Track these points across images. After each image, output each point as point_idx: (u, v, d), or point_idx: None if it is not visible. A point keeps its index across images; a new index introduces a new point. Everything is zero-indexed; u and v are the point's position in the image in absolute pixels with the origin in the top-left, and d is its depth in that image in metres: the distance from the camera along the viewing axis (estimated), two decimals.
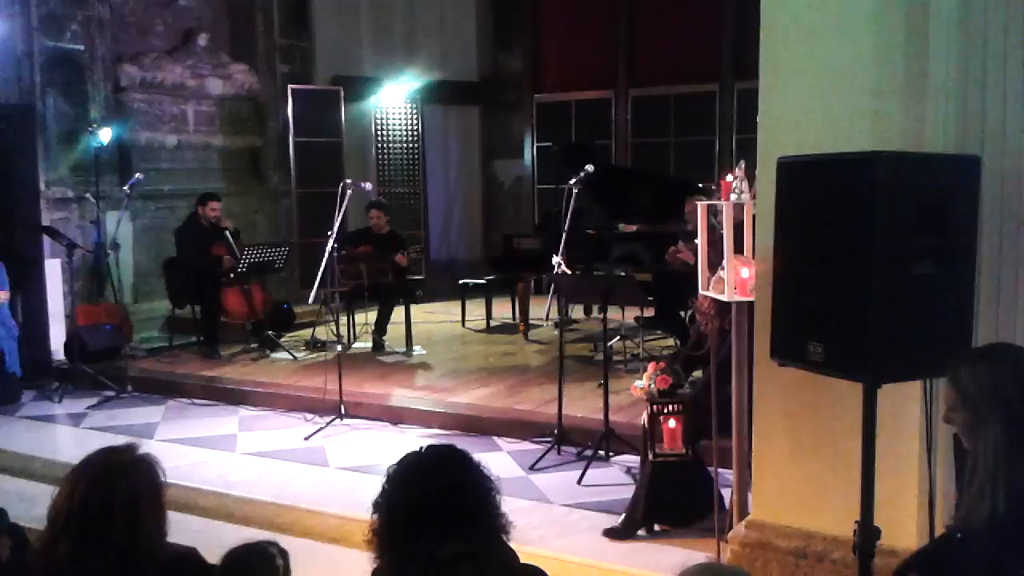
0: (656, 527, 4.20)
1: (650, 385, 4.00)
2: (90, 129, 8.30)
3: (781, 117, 3.24)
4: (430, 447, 2.00)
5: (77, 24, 8.56)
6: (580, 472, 4.95)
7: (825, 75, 3.13)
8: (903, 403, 2.94)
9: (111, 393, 6.96)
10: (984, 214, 2.71)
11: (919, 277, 2.38)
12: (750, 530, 3.42)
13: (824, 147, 2.91)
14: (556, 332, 6.82)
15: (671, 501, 4.15)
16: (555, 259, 5.80)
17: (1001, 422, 2.00)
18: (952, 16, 2.88)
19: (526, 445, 5.54)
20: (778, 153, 2.74)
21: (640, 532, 4.17)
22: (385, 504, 1.90)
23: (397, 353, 7.92)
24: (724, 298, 3.54)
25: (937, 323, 2.43)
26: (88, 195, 8.25)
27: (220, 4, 10.31)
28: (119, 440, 5.56)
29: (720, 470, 3.86)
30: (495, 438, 5.72)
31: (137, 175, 7.83)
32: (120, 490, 2.08)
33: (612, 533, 4.18)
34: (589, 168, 6.26)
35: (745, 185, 3.53)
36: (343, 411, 6.09)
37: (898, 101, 2.98)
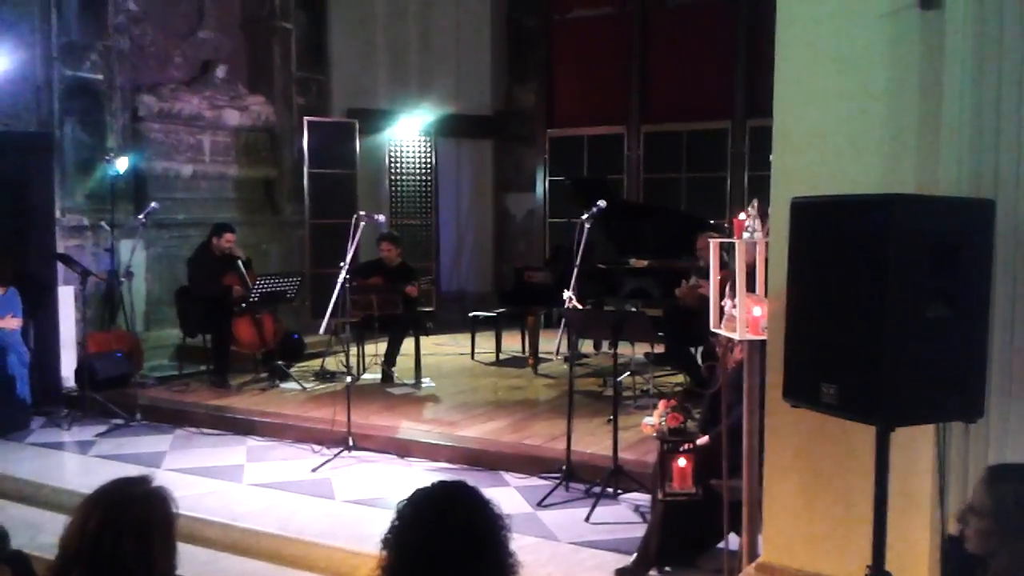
0: (667, 568, 4.16)
1: (660, 423, 3.97)
2: (107, 158, 8.37)
3: (795, 158, 3.25)
4: (441, 483, 1.98)
5: (97, 54, 8.68)
6: (588, 509, 4.91)
7: (839, 116, 3.14)
8: (916, 445, 2.91)
9: (120, 421, 6.97)
10: (998, 258, 2.71)
11: (933, 320, 2.37)
12: (760, 572, 3.38)
13: (837, 188, 2.91)
14: (566, 366, 6.80)
15: (683, 541, 4.11)
16: (566, 293, 5.80)
17: None
18: (966, 60, 2.89)
19: (534, 481, 5.51)
20: (791, 193, 2.74)
21: (652, 573, 4.13)
22: (395, 541, 1.88)
23: (406, 385, 7.90)
24: (736, 336, 3.53)
25: (951, 367, 2.41)
26: (103, 223, 8.32)
27: (239, 36, 10.46)
28: (126, 468, 5.59)
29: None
30: (503, 473, 5.69)
31: (152, 204, 7.89)
32: (133, 521, 2.07)
33: (624, 573, 4.14)
34: (601, 203, 6.28)
35: (758, 223, 3.54)
36: (351, 443, 6.07)
37: (913, 143, 2.99)
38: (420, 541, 1.83)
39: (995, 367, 2.79)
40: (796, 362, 2.65)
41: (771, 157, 3.33)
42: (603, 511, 4.92)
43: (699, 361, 7.24)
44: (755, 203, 3.58)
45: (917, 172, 2.97)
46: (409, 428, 6.49)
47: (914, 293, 2.34)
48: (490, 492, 1.99)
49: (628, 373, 7.41)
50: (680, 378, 7.60)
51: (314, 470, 5.80)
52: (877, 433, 2.46)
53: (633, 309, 7.70)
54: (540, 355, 8.58)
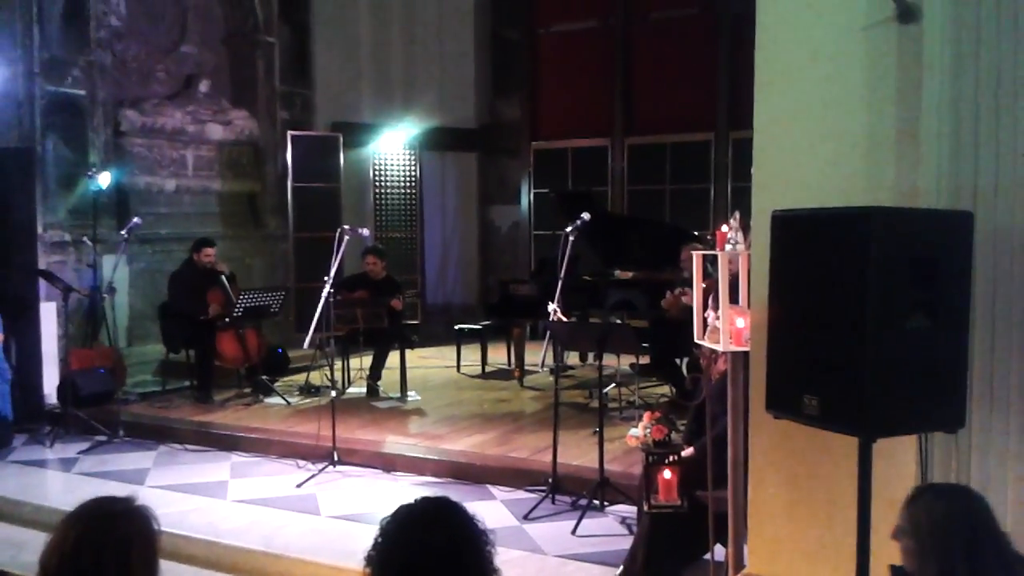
0: None
1: (645, 435, 3.97)
2: (89, 173, 8.32)
3: (775, 171, 3.28)
4: (424, 499, 1.98)
5: (79, 69, 8.65)
6: (575, 522, 4.91)
7: (819, 130, 3.16)
8: (899, 456, 2.93)
9: (103, 438, 6.92)
10: (978, 268, 2.73)
11: (913, 331, 2.39)
12: None
13: (818, 201, 2.93)
14: (551, 379, 6.80)
15: (669, 553, 4.10)
16: (551, 305, 5.80)
17: (938, 565, 2.04)
18: (944, 72, 2.92)
19: (520, 494, 5.49)
20: (772, 206, 2.76)
21: None
22: (378, 558, 1.87)
23: (391, 399, 7.88)
24: (719, 348, 3.54)
25: (932, 377, 2.43)
26: (85, 238, 8.27)
27: (221, 51, 10.45)
28: (109, 485, 5.55)
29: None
30: (489, 486, 5.67)
31: (135, 219, 7.85)
32: (114, 539, 2.06)
33: None
34: (585, 216, 6.29)
35: (740, 236, 3.55)
36: (336, 458, 6.04)
37: (892, 156, 3.01)
38: (403, 558, 1.83)
39: (976, 377, 2.81)
40: (778, 374, 2.67)
41: (752, 170, 3.35)
42: (590, 524, 4.91)
43: (685, 372, 7.25)
44: (737, 215, 3.59)
45: (896, 184, 3.00)
46: (394, 442, 6.47)
47: (894, 304, 2.36)
48: (476, 506, 2.00)
49: (614, 385, 7.42)
50: (666, 389, 7.61)
51: (299, 486, 5.77)
52: (860, 444, 2.48)
53: (618, 321, 7.72)
54: (526, 367, 8.58)
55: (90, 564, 2.02)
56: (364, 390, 8.05)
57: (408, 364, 8.14)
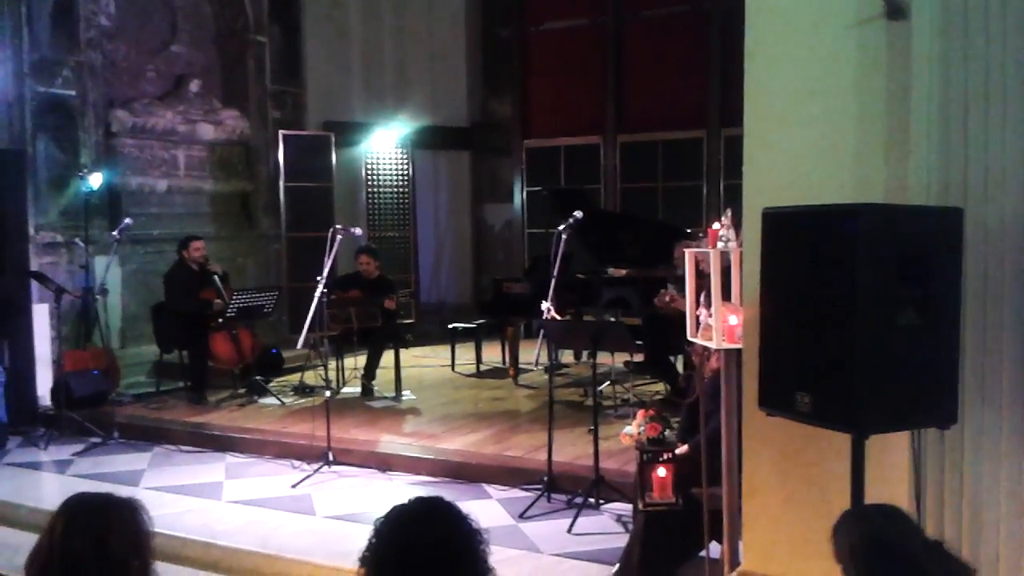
0: None
1: (639, 433, 3.98)
2: (80, 174, 8.30)
3: (765, 168, 3.28)
4: (418, 499, 1.98)
5: (69, 70, 8.62)
6: (570, 520, 4.91)
7: (809, 127, 3.17)
8: (891, 452, 2.94)
9: (97, 440, 6.90)
10: (968, 264, 2.74)
11: (904, 328, 2.40)
12: None
13: (808, 198, 2.94)
14: (546, 377, 6.80)
15: (664, 551, 4.11)
16: (544, 304, 5.80)
17: None
18: (933, 68, 2.93)
19: (516, 492, 5.50)
20: (763, 203, 2.77)
21: None
22: (372, 558, 1.88)
23: (386, 398, 7.87)
24: (712, 345, 3.55)
25: (923, 374, 2.45)
26: (77, 240, 8.24)
27: (212, 50, 10.42)
28: (104, 487, 5.51)
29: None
30: (484, 485, 5.67)
31: (126, 220, 7.83)
32: (89, 528, 2.03)
33: None
34: (578, 213, 6.29)
35: (732, 233, 3.56)
36: (331, 458, 6.04)
37: (881, 153, 3.02)
38: (397, 558, 1.83)
39: (968, 373, 2.82)
40: (771, 371, 2.68)
41: (743, 168, 3.36)
42: (585, 522, 4.92)
43: (680, 369, 7.26)
44: (729, 212, 3.60)
45: (886, 181, 3.01)
46: (390, 442, 6.47)
47: (884, 301, 2.37)
48: (471, 505, 2.00)
49: (608, 383, 7.42)
50: (660, 386, 7.62)
51: (294, 486, 5.77)
52: (852, 441, 2.49)
53: (612, 319, 7.72)
54: (520, 365, 8.58)
55: (61, 543, 1.99)
56: (359, 390, 8.04)
57: (402, 363, 8.15)
